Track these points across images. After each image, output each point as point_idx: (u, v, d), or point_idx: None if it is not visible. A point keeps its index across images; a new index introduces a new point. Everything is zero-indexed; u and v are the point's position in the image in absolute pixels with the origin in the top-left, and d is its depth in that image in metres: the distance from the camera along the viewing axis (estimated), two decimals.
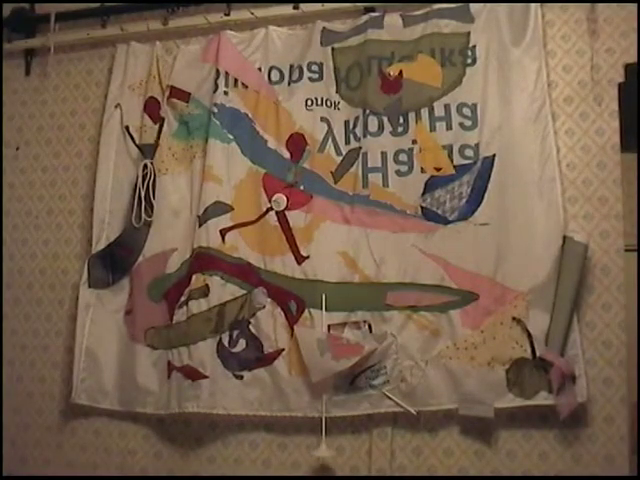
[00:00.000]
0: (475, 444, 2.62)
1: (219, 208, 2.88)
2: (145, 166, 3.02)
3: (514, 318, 2.57)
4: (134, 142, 3.09)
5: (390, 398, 2.64)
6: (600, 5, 2.74)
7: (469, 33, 2.81)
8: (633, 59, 2.69)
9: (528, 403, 2.53)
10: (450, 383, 2.60)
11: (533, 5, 2.75)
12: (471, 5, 2.83)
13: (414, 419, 2.64)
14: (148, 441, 2.92)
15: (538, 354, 2.53)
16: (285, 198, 2.85)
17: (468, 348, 2.59)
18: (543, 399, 2.51)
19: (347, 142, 2.86)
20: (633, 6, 2.71)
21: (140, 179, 3.00)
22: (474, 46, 2.80)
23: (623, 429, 2.51)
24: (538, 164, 2.65)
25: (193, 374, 2.78)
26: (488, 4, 2.81)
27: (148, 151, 3.04)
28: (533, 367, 2.53)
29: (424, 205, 2.73)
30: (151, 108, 3.09)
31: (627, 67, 2.70)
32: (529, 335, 2.55)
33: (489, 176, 2.68)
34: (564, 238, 2.56)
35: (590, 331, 2.56)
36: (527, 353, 2.55)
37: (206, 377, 2.77)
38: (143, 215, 2.98)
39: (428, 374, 2.62)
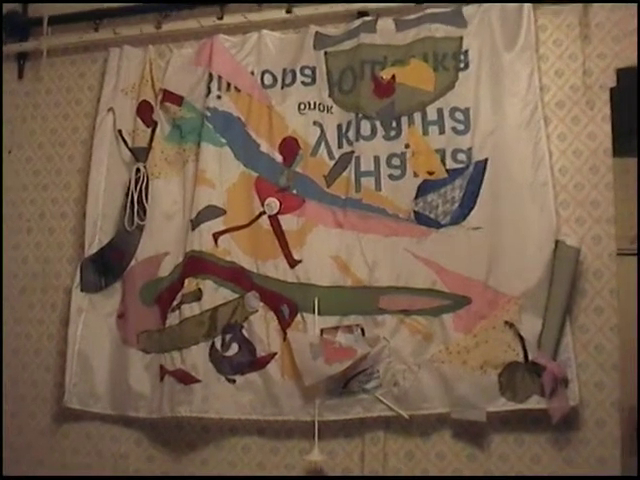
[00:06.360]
0: (467, 448, 2.62)
1: (212, 212, 2.88)
2: (138, 170, 3.01)
3: (506, 322, 2.58)
4: (127, 146, 3.09)
5: (383, 402, 2.64)
6: (592, 10, 2.75)
7: (462, 37, 2.82)
8: (625, 64, 2.70)
9: (520, 407, 2.53)
10: (442, 387, 2.60)
11: (525, 10, 2.76)
12: (464, 9, 2.84)
13: (406, 423, 2.64)
14: (140, 445, 2.91)
15: (530, 358, 2.54)
16: (278, 202, 2.85)
17: (460, 352, 2.60)
18: (535, 403, 2.52)
19: (340, 146, 2.86)
20: (625, 11, 2.72)
21: (133, 183, 3.00)
22: (467, 50, 2.80)
23: (615, 433, 2.52)
24: (530, 168, 2.66)
25: (186, 378, 2.77)
26: (481, 8, 2.82)
27: (141, 155, 3.04)
28: (525, 371, 2.53)
29: (417, 209, 2.73)
30: (144, 112, 3.08)
31: (619, 72, 2.71)
32: (521, 339, 2.56)
33: (481, 180, 2.69)
34: (556, 242, 2.57)
35: (582, 335, 2.57)
36: (519, 357, 2.55)
37: (199, 381, 2.77)
38: (136, 219, 2.97)
39: (421, 378, 2.62)
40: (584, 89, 2.72)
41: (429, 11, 2.87)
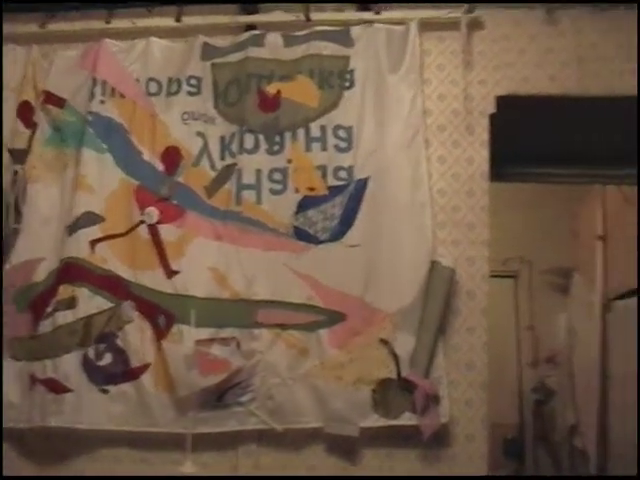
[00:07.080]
0: (340, 462, 2.65)
1: (90, 218, 2.83)
2: (15, 172, 2.94)
3: (382, 340, 2.62)
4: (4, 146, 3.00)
5: (257, 415, 2.64)
6: (475, 38, 2.84)
7: (348, 57, 2.86)
8: (505, 91, 2.82)
9: (393, 423, 2.59)
10: (316, 402, 2.63)
11: (411, 34, 2.82)
12: (352, 30, 2.88)
13: (280, 436, 2.65)
14: (7, 456, 2.81)
15: (403, 375, 2.58)
16: (157, 211, 2.82)
17: (335, 367, 2.63)
18: (407, 419, 2.57)
19: (222, 158, 2.85)
20: (506, 42, 2.84)
21: (9, 185, 2.93)
22: (352, 70, 2.84)
23: (483, 448, 2.62)
24: (410, 189, 2.72)
25: (57, 387, 2.71)
26: (368, 30, 2.86)
27: (19, 156, 2.96)
28: (398, 388, 2.59)
29: (296, 224, 2.75)
30: (24, 112, 3.01)
31: (499, 99, 2.81)
32: (395, 356, 2.61)
33: (361, 198, 2.73)
34: (432, 262, 2.63)
35: (454, 353, 2.65)
36: (393, 374, 2.60)
37: (70, 391, 2.71)
38: (11, 222, 2.89)
39: (295, 392, 2.64)
40: (465, 114, 2.80)
41: (318, 29, 2.90)
